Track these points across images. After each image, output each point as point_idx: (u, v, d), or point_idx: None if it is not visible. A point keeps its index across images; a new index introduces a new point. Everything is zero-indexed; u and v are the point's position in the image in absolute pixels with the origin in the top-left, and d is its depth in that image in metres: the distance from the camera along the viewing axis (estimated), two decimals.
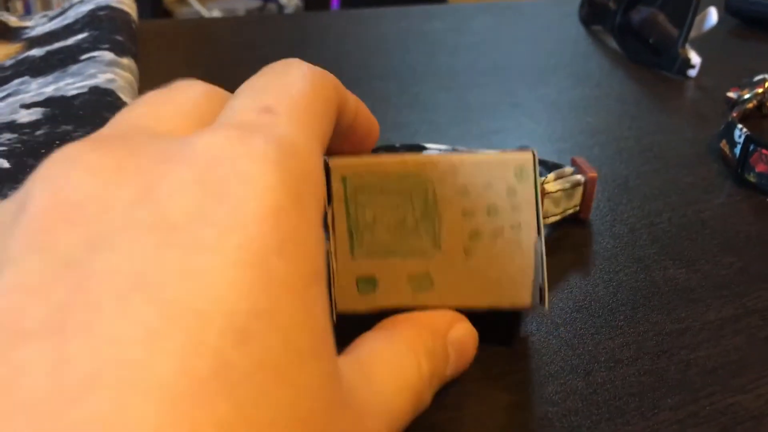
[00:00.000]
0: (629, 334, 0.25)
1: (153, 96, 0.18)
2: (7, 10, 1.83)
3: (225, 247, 0.13)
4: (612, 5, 0.56)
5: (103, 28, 0.42)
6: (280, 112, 0.16)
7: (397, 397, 0.18)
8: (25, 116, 0.35)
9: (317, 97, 0.18)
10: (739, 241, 0.31)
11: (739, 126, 0.37)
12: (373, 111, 0.22)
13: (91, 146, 0.15)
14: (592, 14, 0.60)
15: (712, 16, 0.49)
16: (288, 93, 0.17)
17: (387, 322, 0.21)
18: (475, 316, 0.22)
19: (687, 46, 0.50)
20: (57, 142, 0.32)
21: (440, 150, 0.30)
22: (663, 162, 0.38)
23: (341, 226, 0.21)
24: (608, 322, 0.26)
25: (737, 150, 0.36)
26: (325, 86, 0.18)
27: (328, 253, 0.20)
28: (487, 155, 0.22)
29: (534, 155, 0.22)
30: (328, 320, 0.15)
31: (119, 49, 0.41)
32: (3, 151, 0.32)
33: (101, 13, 0.44)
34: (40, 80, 0.38)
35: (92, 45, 0.40)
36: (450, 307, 0.22)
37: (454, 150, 0.22)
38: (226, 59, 0.53)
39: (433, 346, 0.20)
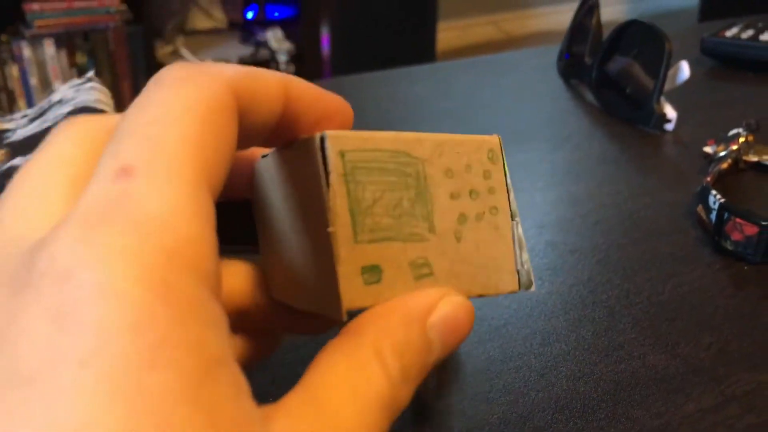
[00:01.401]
0: None
1: (20, 181, 0.17)
2: (11, 112, 1.85)
3: (86, 388, 0.12)
4: (588, 60, 0.57)
5: None
6: (138, 171, 0.14)
7: (360, 421, 0.16)
8: None
9: (192, 121, 0.15)
10: (717, 317, 0.32)
11: (713, 192, 0.37)
12: None
13: None
14: (569, 67, 0.61)
15: (684, 70, 0.50)
16: (149, 134, 0.15)
17: (353, 323, 0.18)
18: None
19: (662, 99, 0.51)
20: None
21: None
22: (642, 230, 0.39)
23: (342, 206, 0.19)
24: (589, 423, 0.26)
25: (713, 216, 0.37)
26: (205, 96, 0.16)
27: (331, 236, 0.18)
28: (463, 137, 0.21)
29: (499, 139, 0.22)
30: (237, 400, 0.14)
31: None
32: None
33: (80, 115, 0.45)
34: None
35: None
36: None
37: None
38: None
39: (407, 338, 0.18)
